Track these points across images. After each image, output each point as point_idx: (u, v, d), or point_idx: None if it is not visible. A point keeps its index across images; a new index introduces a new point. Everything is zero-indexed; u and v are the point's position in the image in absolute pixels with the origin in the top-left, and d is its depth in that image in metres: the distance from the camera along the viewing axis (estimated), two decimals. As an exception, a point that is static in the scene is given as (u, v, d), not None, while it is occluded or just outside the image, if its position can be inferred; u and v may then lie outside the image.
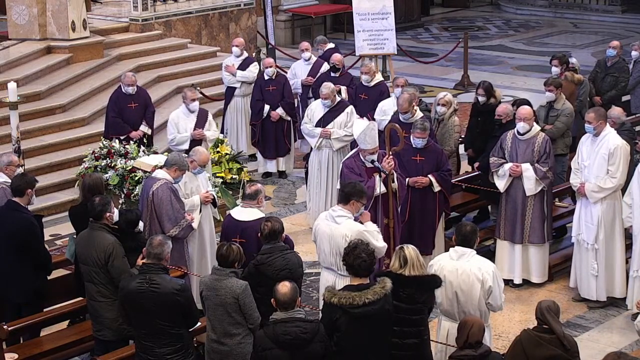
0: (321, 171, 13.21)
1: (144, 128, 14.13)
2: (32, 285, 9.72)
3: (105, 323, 9.13)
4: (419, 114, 12.26)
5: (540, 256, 11.66)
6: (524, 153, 11.43)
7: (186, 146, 12.90)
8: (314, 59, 15.93)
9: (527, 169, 11.38)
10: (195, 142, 13.06)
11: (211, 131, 13.45)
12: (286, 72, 16.43)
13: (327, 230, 9.29)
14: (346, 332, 7.80)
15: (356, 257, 8.01)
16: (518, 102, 12.50)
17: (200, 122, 13.32)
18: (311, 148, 13.48)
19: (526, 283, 11.70)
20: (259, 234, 8.92)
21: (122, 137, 13.55)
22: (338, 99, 13.45)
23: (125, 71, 14.83)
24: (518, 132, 11.48)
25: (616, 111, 12.11)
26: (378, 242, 9.34)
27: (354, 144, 11.88)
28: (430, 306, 8.53)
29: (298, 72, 15.92)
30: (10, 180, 10.19)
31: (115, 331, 9.12)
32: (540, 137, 11.47)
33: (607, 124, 11.08)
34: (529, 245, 11.60)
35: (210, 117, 13.57)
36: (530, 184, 11.39)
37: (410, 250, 8.40)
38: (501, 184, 11.56)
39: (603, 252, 11.03)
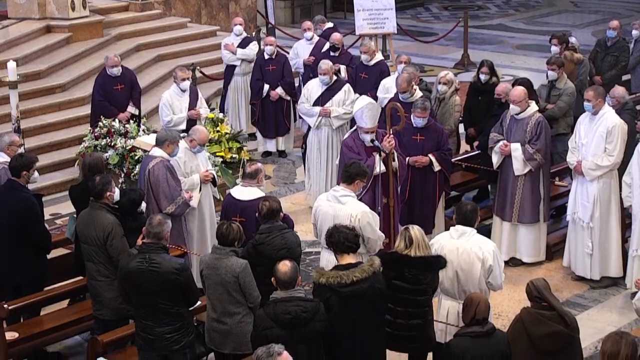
0: (321, 150, 13.19)
1: (131, 109, 14.01)
2: (32, 265, 9.70)
3: (105, 302, 9.13)
4: (418, 94, 12.22)
5: (532, 236, 11.64)
6: (517, 133, 11.41)
7: (183, 126, 12.87)
8: (316, 38, 15.86)
9: (516, 149, 11.36)
10: (191, 121, 13.05)
11: (203, 109, 13.51)
12: (286, 52, 16.39)
13: (330, 211, 9.23)
14: (338, 312, 7.77)
15: (340, 232, 8.01)
16: (519, 82, 12.48)
17: (193, 101, 13.34)
18: (309, 127, 13.46)
19: (525, 262, 11.70)
20: (258, 214, 8.92)
21: (109, 120, 13.48)
22: (335, 78, 13.43)
23: (112, 54, 14.31)
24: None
25: (620, 90, 12.09)
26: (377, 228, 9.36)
27: (352, 121, 11.85)
28: (434, 287, 8.52)
29: (300, 52, 15.86)
30: (11, 160, 10.18)
31: (115, 310, 9.13)
32: (534, 118, 11.42)
33: (606, 102, 11.09)
34: (518, 225, 11.59)
35: (200, 94, 13.60)
36: (519, 164, 11.38)
37: (415, 230, 8.39)
38: (495, 159, 11.60)
39: (598, 230, 11.04)
